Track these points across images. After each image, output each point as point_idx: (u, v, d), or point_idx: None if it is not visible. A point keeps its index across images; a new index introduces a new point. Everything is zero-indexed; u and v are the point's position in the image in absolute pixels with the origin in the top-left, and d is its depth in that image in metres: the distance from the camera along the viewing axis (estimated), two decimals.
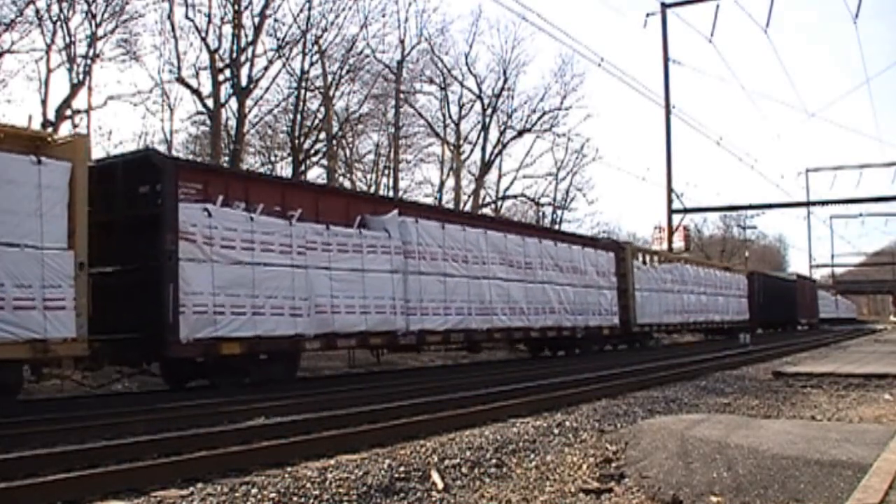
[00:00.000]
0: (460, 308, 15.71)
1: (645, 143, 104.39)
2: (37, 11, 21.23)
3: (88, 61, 22.38)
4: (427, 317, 14.79)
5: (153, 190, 11.12)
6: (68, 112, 22.03)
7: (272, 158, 29.50)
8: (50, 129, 19.92)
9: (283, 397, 10.61)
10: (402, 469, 5.44)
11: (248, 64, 23.92)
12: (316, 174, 29.48)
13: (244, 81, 23.79)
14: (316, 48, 25.73)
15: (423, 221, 15.00)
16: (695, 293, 29.13)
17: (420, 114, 34.13)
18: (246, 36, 23.72)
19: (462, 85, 35.04)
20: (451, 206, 32.14)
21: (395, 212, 14.53)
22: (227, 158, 23.55)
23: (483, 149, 35.47)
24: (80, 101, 22.59)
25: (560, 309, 19.39)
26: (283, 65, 25.38)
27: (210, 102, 23.68)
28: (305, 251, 12.40)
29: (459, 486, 5.27)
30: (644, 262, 25.61)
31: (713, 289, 31.22)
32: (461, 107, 35.29)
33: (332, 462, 5.80)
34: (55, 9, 21.56)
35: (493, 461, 5.94)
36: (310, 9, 24.74)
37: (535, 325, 18.28)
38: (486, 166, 35.71)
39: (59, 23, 21.80)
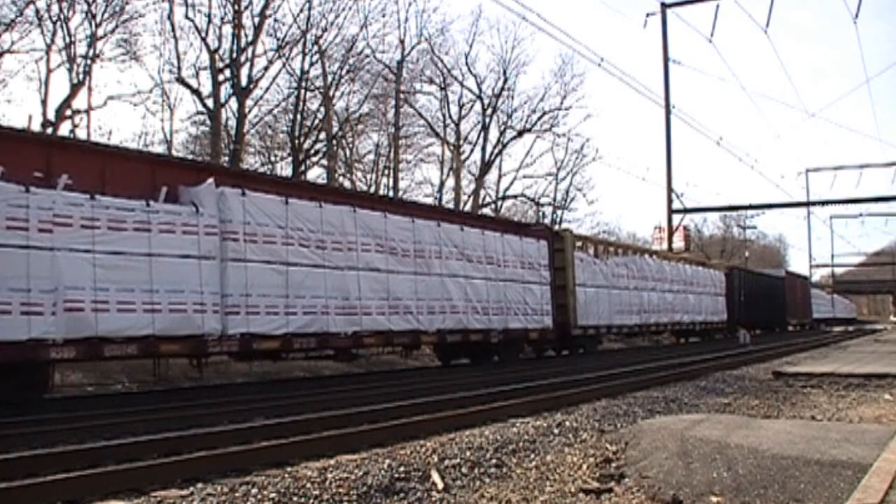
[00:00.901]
0: (311, 306, 12.35)
1: (645, 143, 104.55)
2: (37, 11, 21.28)
3: (88, 61, 22.42)
4: (256, 317, 11.49)
5: None
6: (68, 112, 22.06)
7: (272, 158, 29.54)
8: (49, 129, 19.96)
9: (283, 397, 10.62)
10: (402, 469, 5.44)
11: (248, 64, 23.98)
12: (316, 174, 29.53)
13: (244, 81, 23.81)
14: (316, 48, 25.76)
15: (253, 195, 11.77)
16: (658, 290, 25.69)
17: (420, 114, 34.17)
18: (246, 36, 23.76)
19: (462, 85, 35.09)
20: (451, 206, 32.05)
21: (210, 181, 11.29)
22: (227, 158, 23.56)
23: (483, 149, 35.51)
24: (80, 101, 22.65)
25: (466, 308, 16.01)
26: (283, 65, 25.44)
27: (210, 102, 23.69)
28: (52, 228, 9.41)
29: (459, 486, 5.27)
30: (591, 254, 22.41)
31: (682, 285, 27.90)
32: (461, 107, 35.33)
33: (332, 462, 5.80)
34: (55, 9, 21.62)
35: (493, 461, 5.94)
36: (310, 9, 24.81)
37: (428, 328, 14.91)
38: (486, 166, 35.72)
39: (59, 23, 21.85)
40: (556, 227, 31.42)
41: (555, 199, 39.61)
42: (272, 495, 4.72)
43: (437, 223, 15.62)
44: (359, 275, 13.42)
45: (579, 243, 22.01)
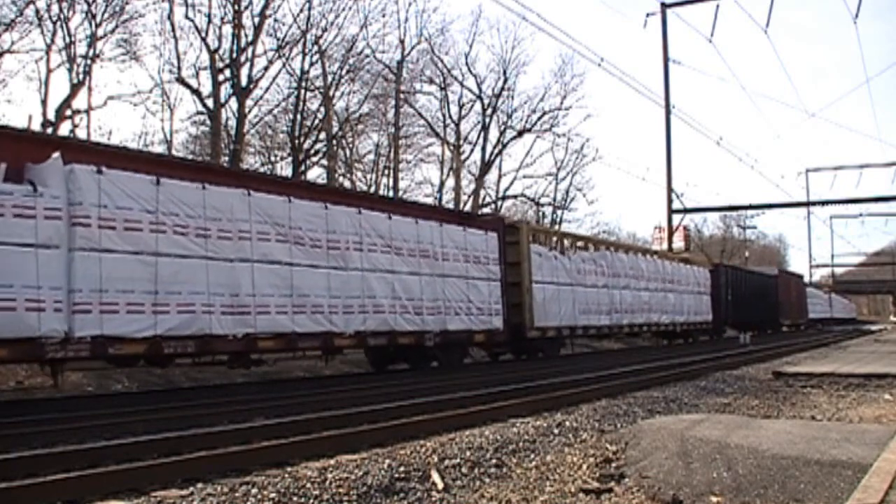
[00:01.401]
0: (188, 304, 10.60)
1: (645, 143, 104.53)
2: (37, 11, 21.29)
3: (88, 61, 22.44)
4: (114, 316, 9.75)
5: None
6: (68, 112, 22.07)
7: (272, 158, 29.55)
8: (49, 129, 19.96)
9: (283, 397, 10.62)
10: (402, 469, 5.44)
11: (248, 64, 24.00)
12: (316, 174, 29.54)
13: (244, 81, 23.83)
14: (316, 48, 25.77)
15: (113, 173, 10.06)
16: (632, 289, 23.57)
17: (420, 114, 34.18)
18: (246, 36, 23.77)
19: (462, 85, 35.09)
20: (451, 206, 32.07)
21: (56, 156, 9.68)
22: (227, 158, 23.57)
23: (483, 149, 35.52)
24: (80, 101, 22.67)
25: (394, 307, 13.99)
26: (283, 65, 25.45)
27: (210, 102, 23.71)
28: None
29: (459, 486, 5.27)
30: (552, 248, 20.50)
31: (661, 283, 25.72)
32: (461, 107, 35.34)
33: (332, 462, 5.80)
34: (55, 9, 21.63)
35: (493, 461, 5.94)
36: (310, 9, 24.83)
37: (344, 330, 12.90)
38: (486, 166, 35.72)
39: (59, 23, 21.87)
40: (563, 224, 31.22)
41: (555, 199, 39.66)
42: (272, 495, 4.72)
43: (357, 210, 13.62)
44: (253, 267, 11.46)
45: (537, 236, 20.25)
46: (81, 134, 22.00)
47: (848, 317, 74.95)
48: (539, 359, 19.58)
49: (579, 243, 23.12)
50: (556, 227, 37.08)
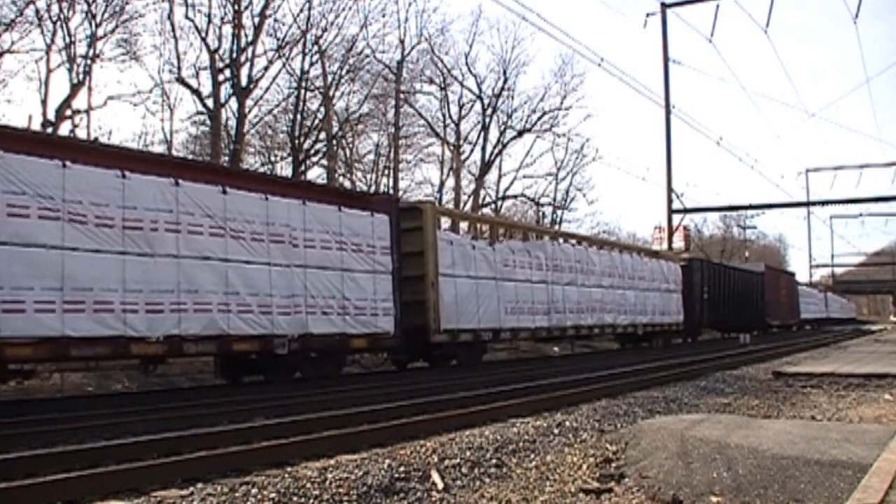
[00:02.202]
0: None
1: (645, 143, 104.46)
2: (37, 11, 21.27)
3: (88, 61, 22.42)
4: None
5: None
6: (68, 112, 22.06)
7: (272, 158, 29.52)
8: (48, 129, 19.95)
9: (283, 397, 10.62)
10: (402, 469, 5.44)
11: (248, 64, 23.99)
12: (316, 174, 29.53)
13: (244, 81, 23.82)
14: (316, 48, 25.76)
15: None
16: (579, 285, 20.20)
17: (420, 114, 34.16)
18: (246, 36, 23.77)
19: (462, 85, 35.08)
20: (450, 205, 32.07)
21: None
22: (227, 158, 23.57)
23: (483, 149, 35.51)
24: (80, 101, 22.64)
25: (228, 304, 11.13)
26: (283, 65, 25.44)
27: (210, 102, 23.70)
28: None
29: (459, 486, 5.27)
30: (467, 235, 17.98)
31: (617, 279, 22.40)
32: (461, 107, 35.32)
33: (332, 462, 5.80)
34: (55, 9, 21.61)
35: (493, 461, 5.94)
36: (310, 9, 24.82)
37: (147, 333, 10.17)
38: (486, 166, 35.71)
39: (59, 23, 21.85)
40: (563, 224, 30.18)
41: (555, 199, 39.64)
42: (272, 495, 4.72)
43: (172, 181, 10.74)
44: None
45: (447, 221, 17.67)
46: (81, 134, 22.01)
47: (846, 317, 73.29)
48: (454, 367, 16.14)
49: (503, 231, 19.70)
50: (557, 226, 37.00)
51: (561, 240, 21.02)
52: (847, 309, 77.78)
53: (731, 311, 32.31)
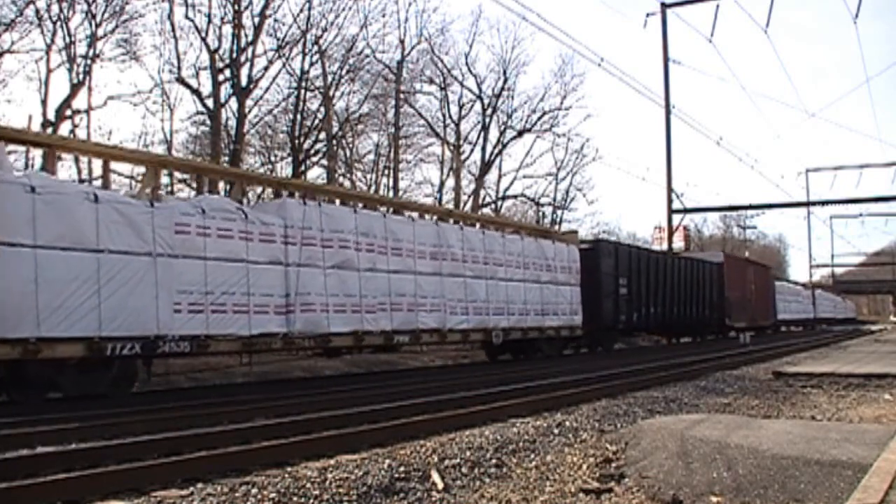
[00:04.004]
0: None
1: (645, 143, 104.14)
2: (37, 11, 21.29)
3: (88, 61, 22.43)
4: None
5: None
6: (68, 112, 22.07)
7: (272, 158, 29.52)
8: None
9: (283, 397, 10.62)
10: (402, 469, 5.44)
11: (248, 64, 23.98)
12: (316, 174, 29.53)
13: (244, 81, 23.82)
14: (316, 48, 25.76)
15: None
16: (361, 269, 13.98)
17: (420, 114, 34.14)
18: (246, 36, 23.76)
19: (462, 85, 35.06)
20: (450, 205, 32.05)
21: None
22: (227, 158, 23.57)
23: (483, 149, 35.49)
24: (80, 101, 22.66)
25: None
26: (283, 65, 25.44)
27: (210, 102, 23.70)
28: None
29: (459, 486, 5.27)
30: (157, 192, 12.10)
31: (449, 263, 16.12)
32: (461, 107, 35.30)
33: (332, 462, 5.80)
34: (55, 9, 21.64)
35: (493, 461, 5.94)
36: (310, 9, 24.81)
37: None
38: (486, 166, 35.70)
39: (59, 23, 21.87)
40: (563, 224, 29.25)
41: (555, 199, 39.61)
42: (272, 495, 4.73)
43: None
44: None
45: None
46: (81, 134, 22.00)
47: (842, 317, 70.32)
48: None
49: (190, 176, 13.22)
50: (557, 226, 37.01)
51: (322, 200, 14.84)
52: (842, 308, 73.84)
53: (675, 310, 26.30)
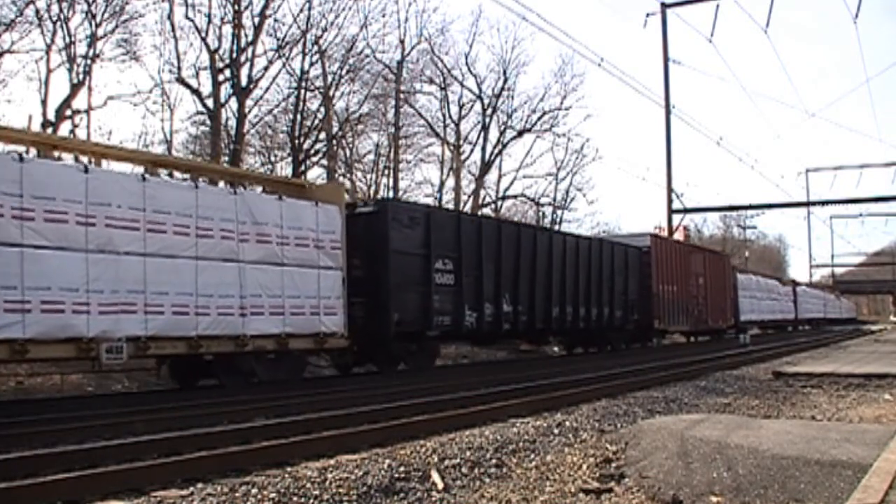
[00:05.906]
0: None
1: (645, 143, 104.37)
2: (37, 11, 21.23)
3: (88, 61, 22.39)
4: None
5: None
6: (68, 112, 22.05)
7: (272, 158, 29.49)
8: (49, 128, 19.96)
9: (283, 397, 10.62)
10: (402, 469, 5.44)
11: (248, 64, 23.93)
12: (316, 174, 29.52)
13: (244, 81, 23.79)
14: (316, 48, 25.73)
15: None
16: None
17: (420, 114, 34.12)
18: (246, 36, 23.72)
19: (462, 85, 35.03)
20: (450, 206, 32.04)
21: None
22: (227, 158, 23.56)
23: (483, 149, 35.47)
24: (80, 101, 22.59)
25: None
26: (283, 65, 25.39)
27: (210, 102, 23.67)
28: None
29: (459, 486, 5.27)
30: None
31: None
32: (461, 107, 35.26)
33: (332, 462, 5.80)
34: (55, 9, 21.56)
35: (493, 461, 5.94)
36: (310, 9, 24.76)
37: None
38: (486, 166, 35.69)
39: (59, 23, 21.81)
40: (563, 224, 28.97)
41: (555, 199, 39.58)
42: (272, 495, 4.72)
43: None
44: None
45: None
46: (81, 134, 22.00)
47: (838, 317, 64.00)
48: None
49: None
50: (557, 226, 36.99)
51: None
52: (835, 308, 64.32)
53: (559, 309, 19.19)
